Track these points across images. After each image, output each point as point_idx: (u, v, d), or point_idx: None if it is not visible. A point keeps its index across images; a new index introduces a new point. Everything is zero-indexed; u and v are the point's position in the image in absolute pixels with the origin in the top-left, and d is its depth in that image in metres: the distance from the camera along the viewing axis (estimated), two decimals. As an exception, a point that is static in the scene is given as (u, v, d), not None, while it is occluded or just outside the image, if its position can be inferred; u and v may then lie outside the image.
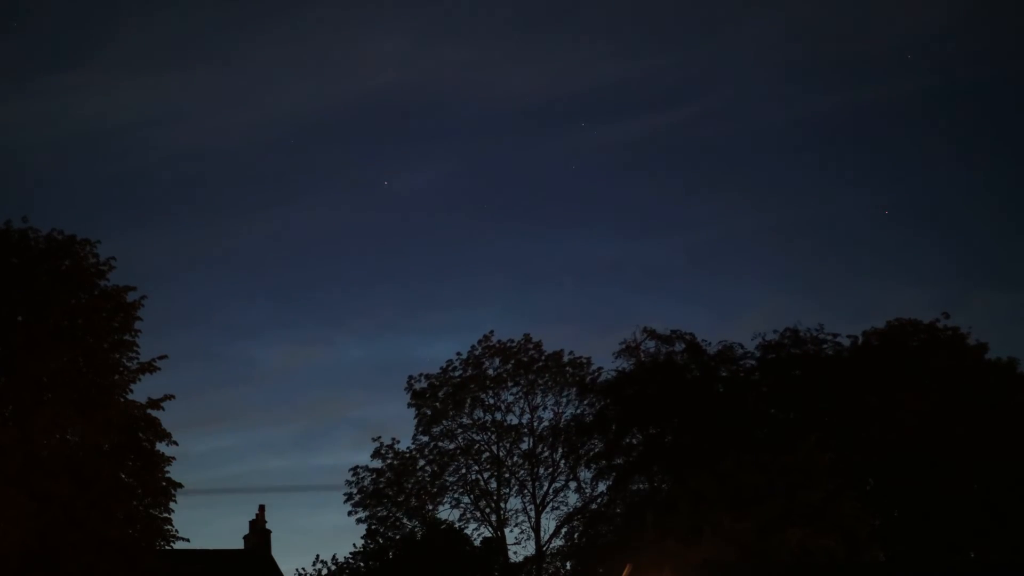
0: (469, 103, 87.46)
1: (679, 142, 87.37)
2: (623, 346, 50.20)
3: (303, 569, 47.34)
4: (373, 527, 49.93)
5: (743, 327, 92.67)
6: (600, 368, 52.55)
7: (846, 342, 48.86)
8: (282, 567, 45.02)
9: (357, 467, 52.33)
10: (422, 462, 52.48)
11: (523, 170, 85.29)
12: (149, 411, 32.40)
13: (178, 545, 33.20)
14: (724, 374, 49.29)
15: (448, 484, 52.37)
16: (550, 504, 52.33)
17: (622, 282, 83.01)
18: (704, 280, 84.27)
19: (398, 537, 49.18)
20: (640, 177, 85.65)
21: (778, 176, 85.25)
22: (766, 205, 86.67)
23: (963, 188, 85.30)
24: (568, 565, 51.30)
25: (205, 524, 76.08)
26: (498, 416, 52.78)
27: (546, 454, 52.79)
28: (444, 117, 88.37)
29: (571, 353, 53.43)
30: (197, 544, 36.02)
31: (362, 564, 47.16)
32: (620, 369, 50.26)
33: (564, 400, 52.90)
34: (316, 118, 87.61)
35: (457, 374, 52.87)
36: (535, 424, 52.91)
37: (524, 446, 52.79)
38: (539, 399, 53.01)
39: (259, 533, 45.44)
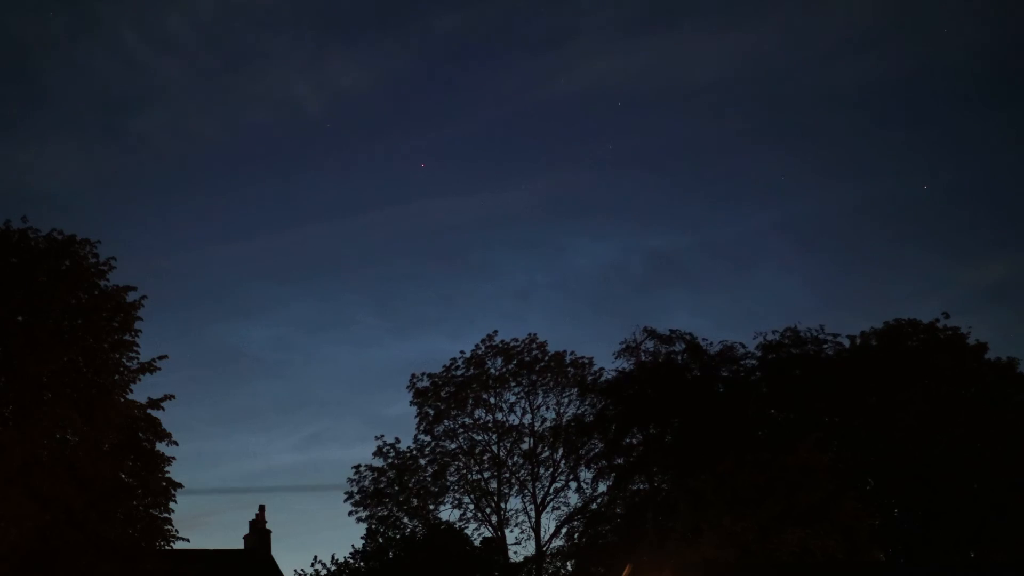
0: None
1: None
2: (623, 346, 50.23)
3: (301, 570, 47.36)
4: (373, 527, 49.93)
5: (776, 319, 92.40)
6: (601, 368, 52.66)
7: (846, 342, 48.88)
8: (282, 567, 45.02)
9: (359, 465, 52.47)
10: (423, 462, 52.51)
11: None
12: (149, 411, 32.43)
13: (178, 545, 33.19)
14: (724, 374, 49.23)
15: (449, 484, 52.39)
16: (550, 504, 52.37)
17: (628, 279, 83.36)
18: (727, 273, 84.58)
19: (398, 537, 49.15)
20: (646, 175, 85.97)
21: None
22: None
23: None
24: (568, 565, 51.27)
25: (205, 524, 76.14)
26: (499, 416, 52.84)
27: (547, 454, 52.80)
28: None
29: (572, 353, 53.52)
30: (197, 544, 36.11)
31: (362, 564, 47.12)
32: (620, 369, 50.28)
33: (565, 400, 52.96)
34: (345, 95, 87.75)
35: (459, 373, 52.87)
36: (536, 424, 52.96)
37: (525, 446, 52.80)
38: (540, 399, 53.07)
39: (259, 533, 45.40)
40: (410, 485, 51.98)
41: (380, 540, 48.51)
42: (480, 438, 52.83)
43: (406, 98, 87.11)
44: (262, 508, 46.05)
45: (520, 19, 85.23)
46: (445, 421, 52.72)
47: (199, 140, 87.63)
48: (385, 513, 51.19)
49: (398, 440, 52.83)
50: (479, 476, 52.69)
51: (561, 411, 52.78)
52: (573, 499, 52.16)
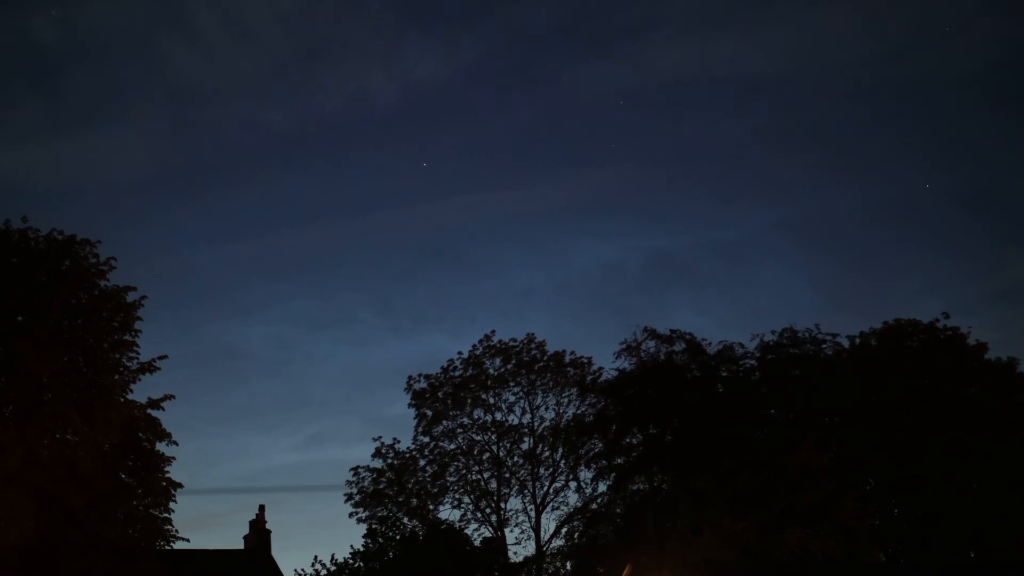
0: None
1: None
2: (623, 346, 50.18)
3: (301, 570, 47.32)
4: (374, 527, 49.90)
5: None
6: (601, 368, 52.61)
7: (845, 342, 48.88)
8: (282, 567, 44.98)
9: (358, 467, 52.43)
10: (422, 462, 52.48)
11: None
12: (149, 411, 32.42)
13: (178, 545, 33.18)
14: (724, 374, 49.19)
15: (449, 484, 52.35)
16: (550, 504, 52.34)
17: (633, 280, 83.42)
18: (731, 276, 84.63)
19: (398, 537, 49.11)
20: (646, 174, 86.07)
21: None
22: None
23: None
24: (568, 565, 51.25)
25: (205, 524, 76.12)
26: (499, 416, 52.80)
27: (546, 454, 52.76)
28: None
29: (572, 353, 53.47)
30: (197, 544, 36.09)
31: (361, 564, 47.08)
32: (621, 369, 50.23)
33: (565, 400, 52.92)
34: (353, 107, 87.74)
35: (458, 374, 52.81)
36: (536, 424, 52.92)
37: (524, 446, 52.77)
38: (540, 399, 53.02)
39: (259, 533, 45.34)
40: (409, 485, 51.95)
41: (380, 540, 48.46)
42: (479, 438, 52.85)
43: (410, 100, 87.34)
44: (262, 508, 45.97)
45: (523, 24, 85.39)
46: (444, 422, 52.69)
47: (206, 137, 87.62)
48: (385, 513, 51.14)
49: (397, 441, 52.87)
50: (479, 476, 52.70)
51: (561, 411, 52.83)
52: (573, 499, 52.24)
